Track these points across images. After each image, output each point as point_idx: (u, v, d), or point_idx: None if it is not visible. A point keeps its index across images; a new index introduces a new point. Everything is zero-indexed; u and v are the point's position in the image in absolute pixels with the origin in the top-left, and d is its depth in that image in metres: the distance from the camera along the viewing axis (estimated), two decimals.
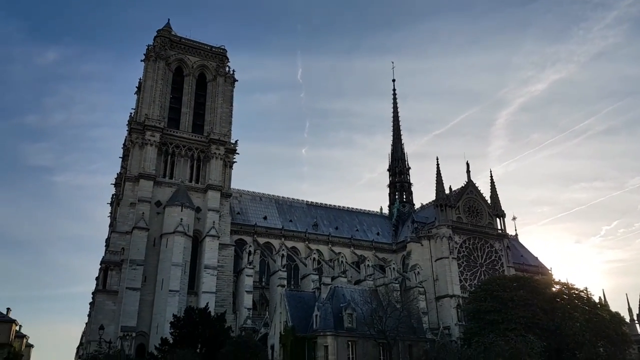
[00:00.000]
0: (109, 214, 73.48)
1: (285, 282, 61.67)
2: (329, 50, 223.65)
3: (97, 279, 59.91)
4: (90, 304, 69.91)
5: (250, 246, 64.22)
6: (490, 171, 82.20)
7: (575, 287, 57.15)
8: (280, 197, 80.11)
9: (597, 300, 59.33)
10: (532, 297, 51.60)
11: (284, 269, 63.62)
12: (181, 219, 57.87)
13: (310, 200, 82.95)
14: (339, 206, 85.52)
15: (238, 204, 73.19)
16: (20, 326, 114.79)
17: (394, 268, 65.85)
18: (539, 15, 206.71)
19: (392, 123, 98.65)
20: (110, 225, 67.21)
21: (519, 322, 48.59)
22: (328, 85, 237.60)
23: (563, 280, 58.91)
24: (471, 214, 74.82)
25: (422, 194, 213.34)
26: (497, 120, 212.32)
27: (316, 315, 47.59)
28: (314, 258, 67.38)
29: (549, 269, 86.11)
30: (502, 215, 77.73)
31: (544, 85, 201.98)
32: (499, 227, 77.37)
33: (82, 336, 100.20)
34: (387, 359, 45.77)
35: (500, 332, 46.78)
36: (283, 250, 66.37)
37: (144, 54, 67.02)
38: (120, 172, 70.68)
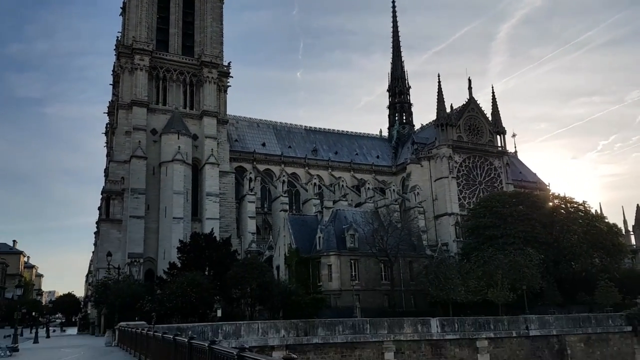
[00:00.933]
0: (105, 144, 72.83)
1: (287, 207, 62.49)
2: None
3: (99, 208, 60.59)
4: (95, 233, 71.40)
5: (250, 173, 64.33)
6: (492, 87, 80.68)
7: (574, 200, 58.03)
8: (278, 123, 79.00)
9: (594, 213, 60.39)
10: (531, 212, 52.53)
11: (285, 195, 64.19)
12: (179, 147, 57.33)
13: (308, 125, 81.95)
14: (338, 130, 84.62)
15: (235, 130, 72.28)
16: (29, 257, 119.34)
17: (394, 190, 66.39)
18: None
19: (391, 39, 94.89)
20: (108, 155, 66.79)
21: (518, 236, 49.84)
22: (322, 0, 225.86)
23: (561, 196, 59.73)
24: (472, 132, 74.13)
25: (422, 115, 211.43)
26: (497, 34, 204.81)
27: (319, 237, 48.71)
28: (315, 183, 67.75)
29: (547, 184, 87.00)
30: (502, 132, 77.07)
31: None
32: (499, 145, 76.94)
33: (90, 265, 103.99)
34: (388, 274, 47.48)
35: (499, 247, 48.11)
36: (283, 176, 66.53)
37: None
38: (112, 100, 69.03)
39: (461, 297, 40.93)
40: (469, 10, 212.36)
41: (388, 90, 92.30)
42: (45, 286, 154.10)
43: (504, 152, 76.65)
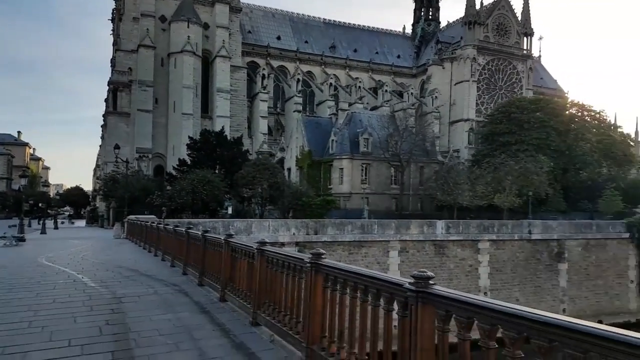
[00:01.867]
0: (112, 31, 70.23)
1: (300, 108, 62.16)
2: None
3: (106, 100, 59.47)
4: (102, 126, 71.47)
5: (263, 69, 62.95)
6: None
7: (592, 108, 57.00)
8: (295, 14, 75.34)
9: (609, 123, 59.47)
10: (549, 119, 51.95)
11: (300, 95, 63.43)
12: (188, 36, 55.51)
13: (327, 18, 78.09)
14: (358, 25, 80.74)
15: (249, 20, 69.26)
16: (34, 149, 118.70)
17: (412, 93, 65.10)
18: None
19: None
20: (114, 44, 64.93)
21: (531, 143, 49.95)
22: None
23: (580, 103, 58.42)
24: (499, 32, 70.43)
25: (450, 12, 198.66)
26: None
27: (333, 140, 49.15)
28: (331, 84, 66.48)
29: (566, 92, 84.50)
30: (530, 34, 73.20)
31: None
32: (525, 48, 73.64)
33: (97, 158, 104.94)
34: (398, 179, 48.57)
35: (512, 153, 48.47)
36: (298, 74, 65.21)
37: None
38: None
39: (467, 202, 42.22)
40: None
41: None
42: (53, 179, 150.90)
43: (528, 56, 73.63)
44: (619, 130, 58.35)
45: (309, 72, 70.70)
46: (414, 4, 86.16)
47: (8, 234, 22.46)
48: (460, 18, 71.73)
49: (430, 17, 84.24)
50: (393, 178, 49.18)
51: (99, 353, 5.21)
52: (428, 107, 63.64)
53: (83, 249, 20.13)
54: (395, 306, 3.59)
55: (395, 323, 3.57)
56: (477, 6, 68.24)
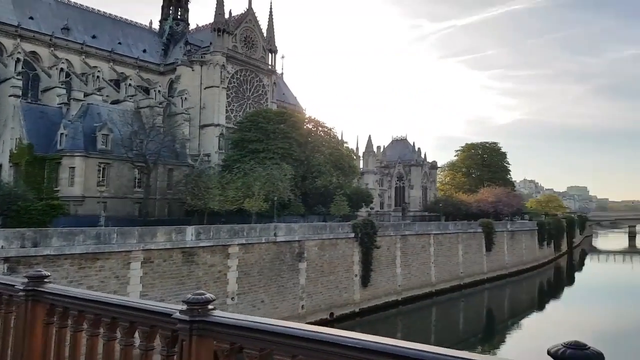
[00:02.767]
0: None
1: (20, 92, 50.97)
2: None
3: None
4: None
5: None
6: (271, 3, 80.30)
7: (325, 124, 64.95)
8: None
9: (338, 139, 69.11)
10: (292, 131, 56.71)
11: (19, 77, 52.13)
12: None
13: None
14: (100, 11, 71.92)
15: None
16: None
17: (159, 91, 61.37)
18: None
19: None
20: None
21: (277, 152, 53.58)
22: None
23: (315, 119, 65.94)
24: (247, 44, 73.30)
25: (199, 17, 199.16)
26: None
27: (62, 134, 41.83)
28: (62, 69, 56.94)
29: (304, 109, 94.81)
30: (274, 51, 78.76)
31: None
32: (270, 63, 78.93)
33: None
34: (143, 182, 44.68)
35: (260, 160, 50.90)
36: (19, 53, 53.61)
37: None
38: None
39: (218, 206, 41.86)
40: None
41: None
42: None
43: (273, 71, 78.97)
44: (345, 145, 68.08)
45: (34, 53, 59.08)
46: (162, 0, 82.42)
47: None
48: (210, 23, 71.89)
49: (179, 16, 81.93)
50: (137, 181, 44.94)
51: None
52: (177, 107, 61.06)
53: None
54: (159, 343, 2.83)
55: None
56: (227, 15, 69.57)
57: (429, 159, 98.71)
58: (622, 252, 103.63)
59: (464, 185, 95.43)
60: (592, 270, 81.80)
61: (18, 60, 53.36)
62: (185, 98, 61.48)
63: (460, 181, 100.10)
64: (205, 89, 65.82)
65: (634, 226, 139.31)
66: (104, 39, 67.78)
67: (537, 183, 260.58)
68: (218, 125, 63.73)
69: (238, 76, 71.50)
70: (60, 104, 49.92)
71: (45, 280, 3.37)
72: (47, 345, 3.45)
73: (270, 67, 78.55)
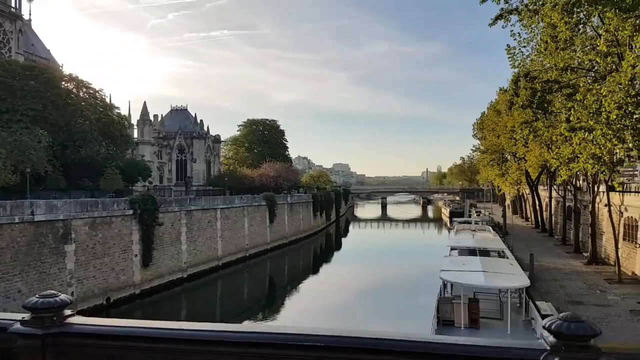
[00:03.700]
0: None
1: None
2: None
3: None
4: None
5: None
6: None
7: (92, 86, 58.13)
8: None
9: (108, 102, 62.80)
10: (46, 89, 49.04)
11: None
12: None
13: None
14: None
15: None
16: None
17: None
18: None
19: None
20: None
21: (26, 114, 46.07)
22: None
23: (79, 78, 58.32)
24: None
25: None
26: None
27: None
28: None
29: (61, 65, 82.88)
30: None
31: None
32: (14, 5, 66.53)
33: None
34: None
35: (4, 123, 42.78)
36: None
37: None
38: None
39: None
40: None
41: None
42: None
43: (18, 16, 66.86)
44: (116, 111, 62.18)
45: None
46: None
47: None
48: None
49: None
50: None
51: None
52: None
53: None
54: None
55: None
56: None
57: (212, 132, 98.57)
58: (376, 220, 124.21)
59: (247, 160, 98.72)
60: (354, 236, 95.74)
61: None
62: None
63: (243, 156, 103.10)
64: None
65: (385, 198, 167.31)
66: None
67: (309, 160, 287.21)
68: None
69: None
70: None
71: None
72: None
73: (13, 9, 66.09)
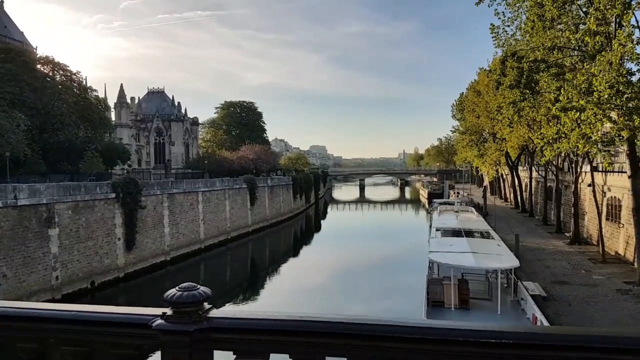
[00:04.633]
0: None
1: None
2: None
3: None
4: None
5: None
6: None
7: (68, 68, 56.33)
8: None
9: (85, 85, 61.00)
10: (22, 72, 47.43)
11: None
12: None
13: None
14: None
15: None
16: None
17: None
18: None
19: None
20: None
21: (3, 97, 44.38)
22: None
23: (55, 61, 56.47)
24: None
25: None
26: None
27: None
28: None
29: (35, 47, 79.96)
30: None
31: None
32: None
33: None
34: None
35: None
36: None
37: None
38: None
39: None
40: None
41: None
42: None
43: None
44: (94, 94, 60.45)
45: None
46: None
47: None
48: None
49: None
50: None
51: None
52: None
53: None
54: None
55: None
56: None
57: (190, 115, 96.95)
58: (355, 202, 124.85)
59: (225, 143, 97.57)
60: (334, 218, 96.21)
61: None
62: None
63: (221, 138, 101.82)
64: None
65: (363, 180, 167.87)
66: None
67: (287, 142, 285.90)
68: None
69: None
70: None
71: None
72: None
73: None
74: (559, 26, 24.03)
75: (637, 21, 19.74)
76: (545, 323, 17.68)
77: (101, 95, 69.38)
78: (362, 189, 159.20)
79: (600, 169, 36.98)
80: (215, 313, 1.79)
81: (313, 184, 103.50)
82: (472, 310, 20.96)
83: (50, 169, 47.49)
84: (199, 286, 1.83)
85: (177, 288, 1.80)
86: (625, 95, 17.37)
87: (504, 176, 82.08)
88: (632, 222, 26.32)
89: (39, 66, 53.71)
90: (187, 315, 1.75)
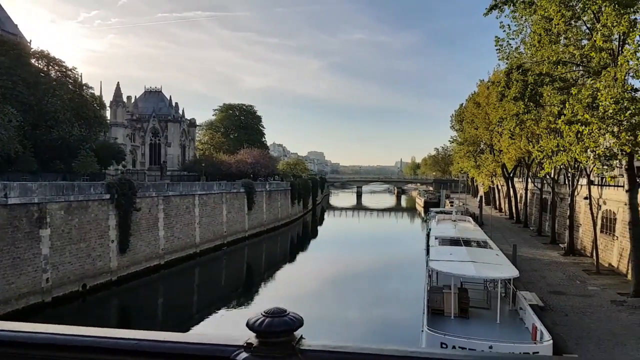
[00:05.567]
0: None
1: None
2: None
3: None
4: None
5: None
6: None
7: (63, 63, 56.15)
8: None
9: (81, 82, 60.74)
10: (16, 66, 47.04)
11: None
12: None
13: None
14: None
15: None
16: None
17: None
18: None
19: None
20: None
21: None
22: None
23: (51, 56, 56.22)
24: None
25: None
26: None
27: None
28: None
29: (29, 41, 79.66)
30: None
31: None
32: None
33: None
34: None
35: None
36: None
37: None
38: None
39: None
40: None
41: None
42: None
43: None
44: (90, 91, 60.20)
45: None
46: None
47: None
48: None
49: None
50: None
51: None
52: None
53: None
54: None
55: None
56: None
57: (187, 116, 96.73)
58: (352, 209, 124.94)
59: (223, 146, 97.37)
60: (331, 224, 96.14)
61: None
62: None
63: (219, 141, 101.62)
64: None
65: (360, 187, 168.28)
66: None
67: (285, 147, 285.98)
68: None
69: None
70: None
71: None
72: None
73: None
74: (562, 41, 24.13)
75: None
76: (546, 333, 17.70)
77: (97, 93, 69.25)
78: (359, 196, 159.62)
79: (596, 183, 37.36)
80: (308, 344, 1.52)
81: (311, 190, 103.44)
82: (471, 319, 20.92)
83: (42, 168, 47.16)
84: (288, 311, 1.57)
85: (262, 313, 1.54)
86: (629, 111, 17.41)
87: (499, 187, 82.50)
88: (627, 234, 26.38)
89: (33, 60, 53.44)
90: (277, 348, 1.48)
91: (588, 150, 20.37)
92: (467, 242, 29.63)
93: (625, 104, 17.19)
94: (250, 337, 1.49)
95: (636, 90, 19.48)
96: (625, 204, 24.79)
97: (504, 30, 26.11)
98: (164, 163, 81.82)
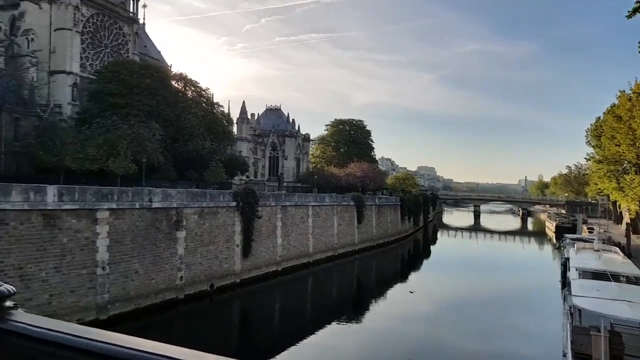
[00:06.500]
0: None
1: None
2: None
3: None
4: None
5: None
6: None
7: (198, 84, 61.84)
8: None
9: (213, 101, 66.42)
10: (159, 87, 52.82)
11: None
12: None
13: None
14: None
15: None
16: None
17: (0, 28, 51.90)
18: None
19: None
20: None
21: (142, 109, 49.58)
22: None
23: (188, 77, 62.27)
24: None
25: None
26: None
27: None
28: None
29: (170, 65, 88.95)
30: None
31: None
32: (132, 10, 72.25)
33: None
34: None
35: (123, 116, 46.56)
36: None
37: None
38: None
39: (76, 165, 37.41)
40: None
41: None
42: None
43: (134, 20, 72.42)
44: (220, 109, 65.66)
45: None
46: None
47: None
48: None
49: None
50: None
51: None
52: (22, 49, 52.31)
53: None
54: None
55: None
56: None
57: (302, 132, 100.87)
58: (468, 229, 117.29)
59: (333, 160, 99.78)
60: (445, 244, 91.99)
61: None
62: (32, 39, 53.20)
63: (330, 155, 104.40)
64: (55, 30, 57.40)
65: (479, 206, 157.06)
66: None
67: (393, 161, 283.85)
68: (71, 73, 56.30)
69: (94, 20, 63.75)
70: None
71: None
72: None
73: (131, 14, 71.76)
74: None
75: None
76: None
77: (225, 110, 75.21)
78: (477, 215, 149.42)
79: None
80: (18, 314, 1.50)
81: (422, 206, 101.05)
82: None
83: (179, 176, 52.20)
84: (2, 283, 1.59)
85: None
86: None
87: None
88: None
89: (173, 82, 59.55)
90: None
91: None
92: (615, 277, 25.94)
93: None
94: None
95: None
96: None
97: None
98: (281, 175, 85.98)
